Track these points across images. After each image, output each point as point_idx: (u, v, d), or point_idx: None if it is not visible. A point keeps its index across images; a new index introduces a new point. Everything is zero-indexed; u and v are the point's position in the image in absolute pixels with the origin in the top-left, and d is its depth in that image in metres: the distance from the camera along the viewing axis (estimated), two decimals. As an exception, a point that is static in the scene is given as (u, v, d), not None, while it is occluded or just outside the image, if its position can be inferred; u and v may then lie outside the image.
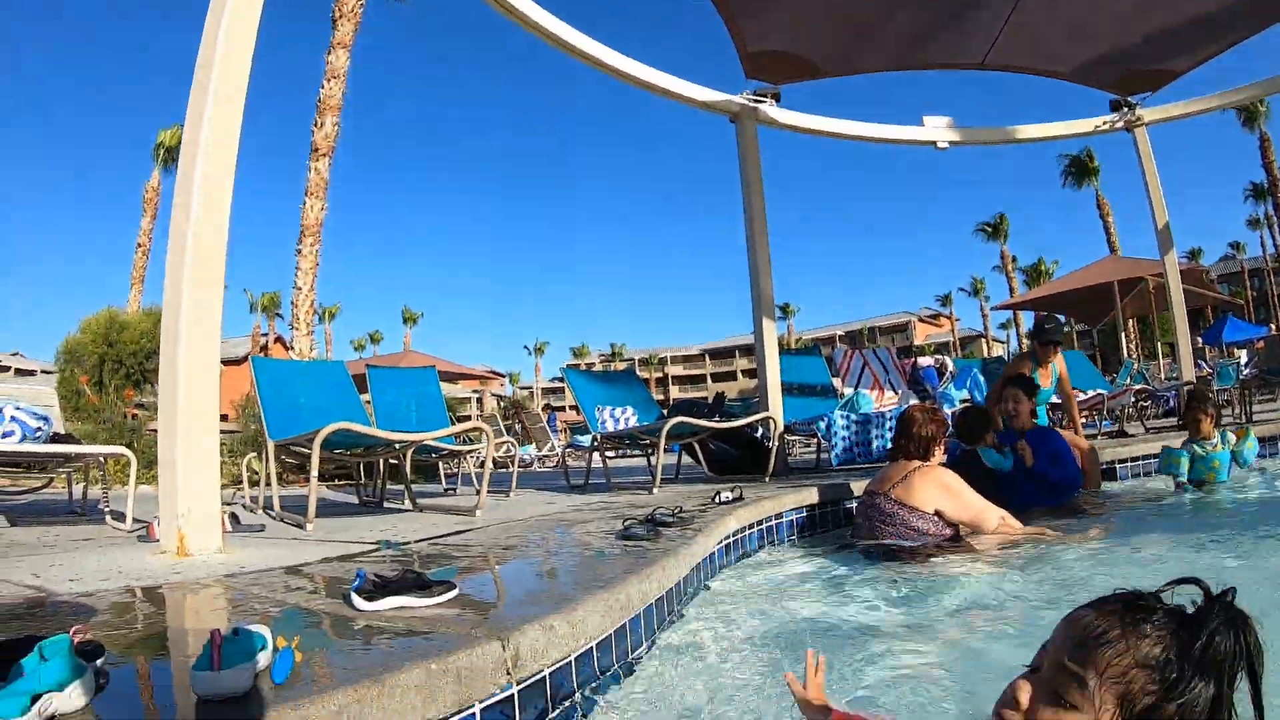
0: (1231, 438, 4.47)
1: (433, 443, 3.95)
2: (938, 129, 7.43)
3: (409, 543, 2.75)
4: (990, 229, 47.87)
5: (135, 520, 3.47)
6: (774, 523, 3.70)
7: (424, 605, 1.61)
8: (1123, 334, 16.46)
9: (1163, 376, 10.71)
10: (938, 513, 3.47)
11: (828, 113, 7.07)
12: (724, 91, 6.38)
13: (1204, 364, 14.19)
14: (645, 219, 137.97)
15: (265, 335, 41.54)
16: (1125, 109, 7.78)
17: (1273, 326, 27.97)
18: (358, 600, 1.61)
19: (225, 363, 4.01)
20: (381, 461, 4.69)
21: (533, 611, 1.57)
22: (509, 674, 1.39)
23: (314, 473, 3.19)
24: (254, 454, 4.79)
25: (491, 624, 1.51)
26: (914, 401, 7.02)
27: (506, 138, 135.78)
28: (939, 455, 3.65)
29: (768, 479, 5.15)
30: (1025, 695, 0.93)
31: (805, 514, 3.93)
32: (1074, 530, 3.73)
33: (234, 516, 3.29)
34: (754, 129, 6.35)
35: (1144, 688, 0.87)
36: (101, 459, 4.09)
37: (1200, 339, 20.68)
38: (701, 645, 2.14)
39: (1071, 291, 15.51)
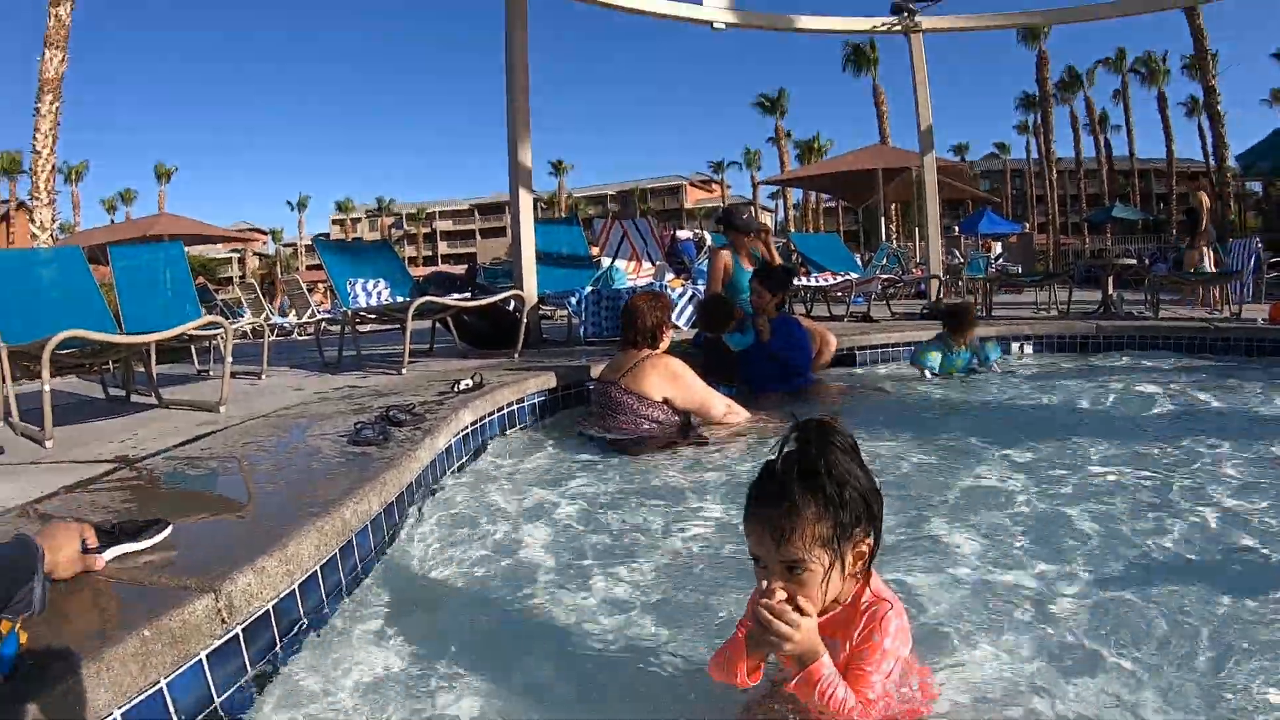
0: (978, 343, 5.10)
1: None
2: (716, 9, 7.29)
3: (145, 457, 2.77)
4: (769, 103, 48.40)
5: None
6: (515, 408, 3.92)
7: (142, 548, 1.68)
8: (883, 218, 17.97)
9: (917, 258, 12.12)
10: (666, 400, 3.63)
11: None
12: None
13: (957, 254, 15.43)
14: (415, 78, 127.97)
15: (5, 202, 37.41)
16: (906, 14, 8.05)
17: (1026, 225, 31.90)
18: (82, 556, 1.73)
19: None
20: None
21: (246, 552, 1.64)
22: (224, 622, 1.46)
23: (45, 387, 3.01)
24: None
25: (205, 569, 1.56)
26: (670, 276, 7.45)
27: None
28: (667, 340, 3.81)
29: (517, 355, 5.35)
30: (778, 586, 1.22)
31: (546, 396, 4.18)
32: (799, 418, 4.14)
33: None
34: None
35: (830, 530, 1.21)
36: None
37: (958, 228, 22.80)
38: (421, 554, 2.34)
39: (839, 173, 16.54)
